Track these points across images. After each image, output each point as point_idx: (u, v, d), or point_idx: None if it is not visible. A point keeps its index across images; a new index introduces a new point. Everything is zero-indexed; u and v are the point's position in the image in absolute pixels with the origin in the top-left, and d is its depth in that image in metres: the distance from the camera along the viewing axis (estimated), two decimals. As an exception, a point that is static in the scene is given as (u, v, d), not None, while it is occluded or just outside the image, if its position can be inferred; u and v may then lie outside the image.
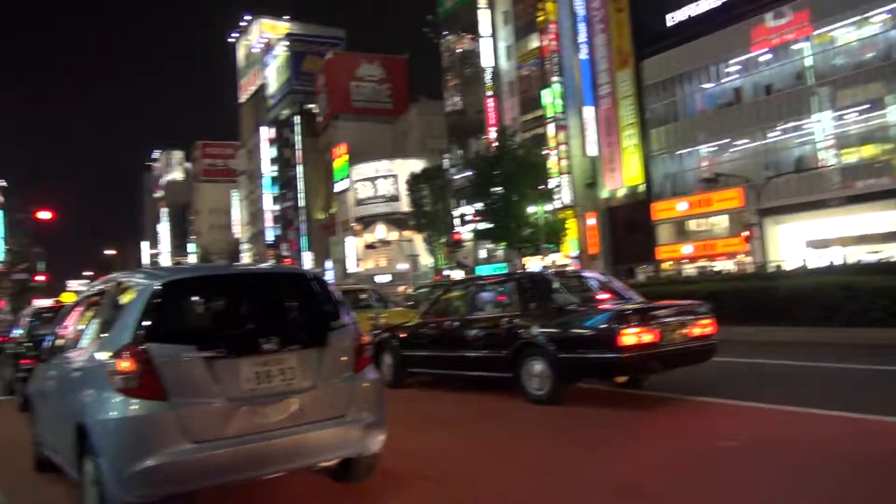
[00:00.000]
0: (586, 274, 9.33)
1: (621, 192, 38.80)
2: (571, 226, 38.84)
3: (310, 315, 4.52)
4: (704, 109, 34.57)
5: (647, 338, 6.52)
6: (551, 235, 36.27)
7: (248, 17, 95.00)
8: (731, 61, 32.88)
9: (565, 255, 39.51)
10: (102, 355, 3.97)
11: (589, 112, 40.12)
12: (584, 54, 40.22)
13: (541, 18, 42.43)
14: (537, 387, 7.18)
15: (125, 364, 3.71)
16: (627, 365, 6.63)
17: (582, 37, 40.38)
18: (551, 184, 38.73)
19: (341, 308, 4.51)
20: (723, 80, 33.61)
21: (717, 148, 33.81)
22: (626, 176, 38.29)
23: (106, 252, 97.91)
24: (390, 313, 11.92)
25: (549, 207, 37.01)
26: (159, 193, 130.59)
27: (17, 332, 12.46)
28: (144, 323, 3.84)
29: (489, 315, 8.16)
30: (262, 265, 6.25)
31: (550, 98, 41.48)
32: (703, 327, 7.09)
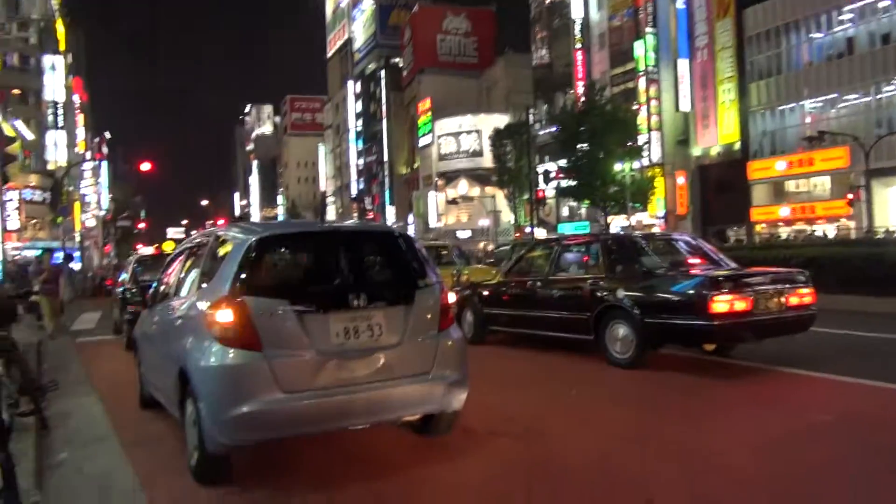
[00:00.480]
0: (675, 236, 9.01)
1: (715, 150, 37.03)
2: (659, 184, 37.49)
3: (397, 273, 4.60)
4: (811, 61, 32.24)
5: (740, 306, 6.27)
6: (638, 194, 35.17)
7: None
8: (845, 8, 30.36)
9: (652, 215, 38.33)
10: (202, 305, 4.17)
11: (683, 65, 38.19)
12: (680, 3, 38.08)
13: (635, -35, 40.40)
14: (620, 351, 7.07)
15: (223, 315, 3.89)
16: (718, 333, 6.40)
17: (679, -16, 38.25)
18: (640, 140, 37.37)
19: (428, 266, 4.55)
20: (834, 30, 31.13)
21: (823, 103, 31.59)
22: (720, 133, 36.45)
23: (201, 202, 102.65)
24: (472, 270, 11.97)
25: (636, 165, 35.82)
26: (250, 146, 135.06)
27: (123, 277, 13.34)
28: (241, 276, 4.00)
29: (572, 276, 8.04)
30: (352, 222, 6.40)
31: (643, 50, 39.69)
32: (800, 297, 6.75)
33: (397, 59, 75.41)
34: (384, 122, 74.82)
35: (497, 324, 9.07)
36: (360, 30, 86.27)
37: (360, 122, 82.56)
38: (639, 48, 40.00)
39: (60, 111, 52.10)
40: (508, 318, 8.82)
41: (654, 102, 39.05)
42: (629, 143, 35.05)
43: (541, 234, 39.59)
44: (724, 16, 35.72)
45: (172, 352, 4.48)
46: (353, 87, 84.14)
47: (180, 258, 5.54)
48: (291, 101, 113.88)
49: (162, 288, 5.67)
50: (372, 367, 4.07)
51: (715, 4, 36.15)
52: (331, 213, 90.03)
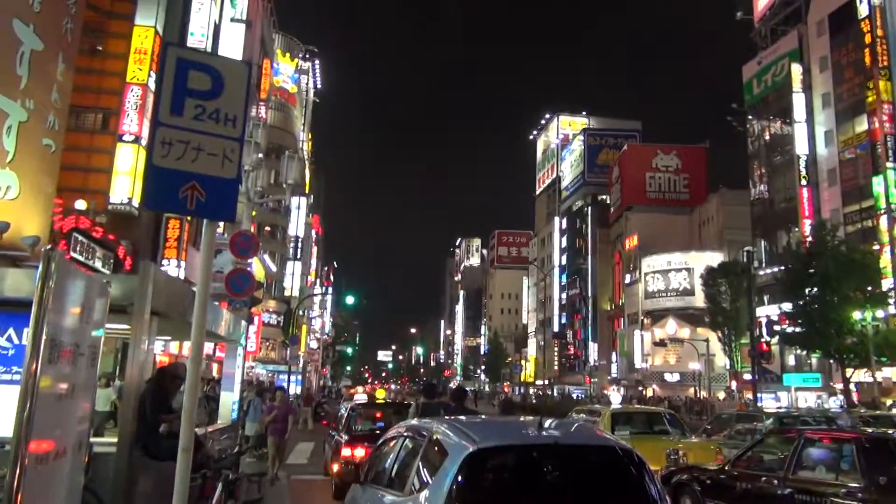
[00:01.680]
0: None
1: (984, 300, 31.48)
2: (912, 336, 32.34)
3: (622, 498, 4.12)
4: None
5: None
6: (886, 347, 30.50)
7: (547, 116, 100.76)
8: None
9: (904, 373, 32.94)
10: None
11: (935, 202, 33.91)
12: (927, 135, 34.49)
13: (871, 99, 37.62)
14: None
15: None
16: None
17: (925, 116, 34.79)
18: (884, 286, 32.96)
19: (658, 492, 4.03)
20: None
21: None
22: None
23: (410, 329, 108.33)
24: (687, 445, 10.80)
25: (881, 314, 31.38)
26: (458, 277, 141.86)
27: (342, 411, 13.92)
28: (453, 491, 3.82)
29: (819, 479, 6.85)
30: (574, 433, 5.57)
31: (883, 186, 36.00)
32: None
33: (604, 196, 76.16)
34: (589, 257, 74.73)
35: (721, 519, 7.94)
36: (568, 169, 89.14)
37: (564, 257, 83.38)
38: (878, 184, 36.38)
39: (300, 245, 59.11)
40: (737, 515, 7.68)
41: (900, 243, 34.76)
42: (871, 289, 31.07)
43: (769, 402, 35.68)
44: None
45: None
46: (559, 223, 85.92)
47: (393, 441, 5.55)
48: (499, 235, 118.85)
49: (374, 468, 5.69)
50: None
51: (973, 136, 32.14)
52: (531, 348, 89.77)
